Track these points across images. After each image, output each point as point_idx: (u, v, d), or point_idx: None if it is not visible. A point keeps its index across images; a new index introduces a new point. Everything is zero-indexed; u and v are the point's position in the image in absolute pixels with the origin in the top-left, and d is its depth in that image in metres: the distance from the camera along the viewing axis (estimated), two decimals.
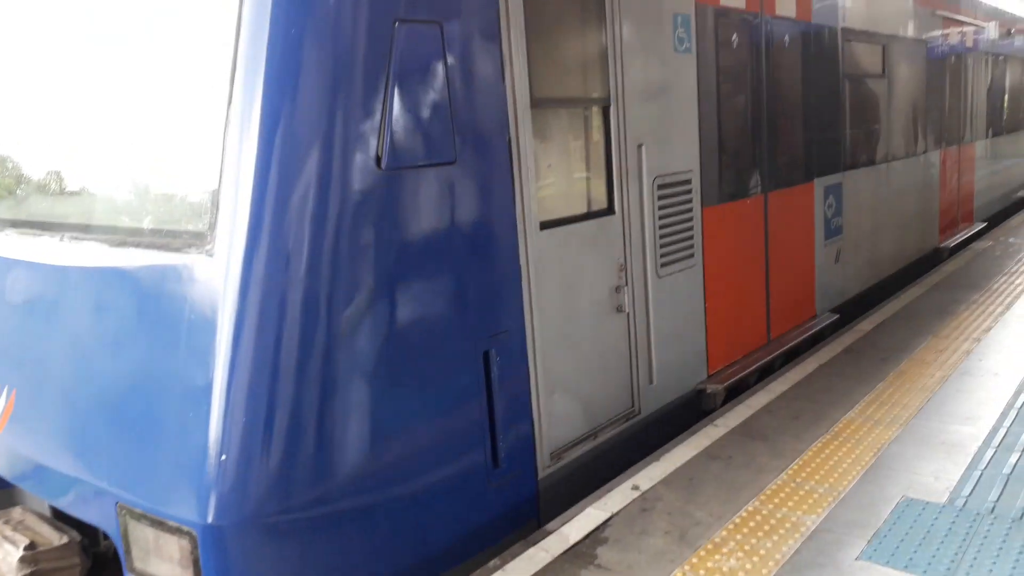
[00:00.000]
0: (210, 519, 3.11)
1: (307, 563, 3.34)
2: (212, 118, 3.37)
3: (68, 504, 3.87)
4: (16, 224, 4.54)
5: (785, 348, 6.48)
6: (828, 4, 7.11)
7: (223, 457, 3.13)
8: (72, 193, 4.35)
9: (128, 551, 3.49)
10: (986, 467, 4.36)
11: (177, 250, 3.41)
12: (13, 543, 3.98)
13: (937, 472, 4.34)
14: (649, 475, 4.53)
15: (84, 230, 4.02)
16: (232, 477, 3.13)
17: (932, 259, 10.28)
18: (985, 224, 12.35)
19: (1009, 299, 7.86)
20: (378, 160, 3.40)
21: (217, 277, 3.23)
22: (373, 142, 3.39)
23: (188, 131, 3.62)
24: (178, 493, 3.22)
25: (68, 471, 3.74)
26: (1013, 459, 4.42)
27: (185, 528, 3.19)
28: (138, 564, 3.47)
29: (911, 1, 9.00)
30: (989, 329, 6.89)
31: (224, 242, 3.23)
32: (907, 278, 9.46)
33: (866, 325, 7.26)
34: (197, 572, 3.21)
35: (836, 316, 7.37)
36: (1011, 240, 11.03)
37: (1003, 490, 4.09)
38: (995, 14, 12.36)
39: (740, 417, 5.27)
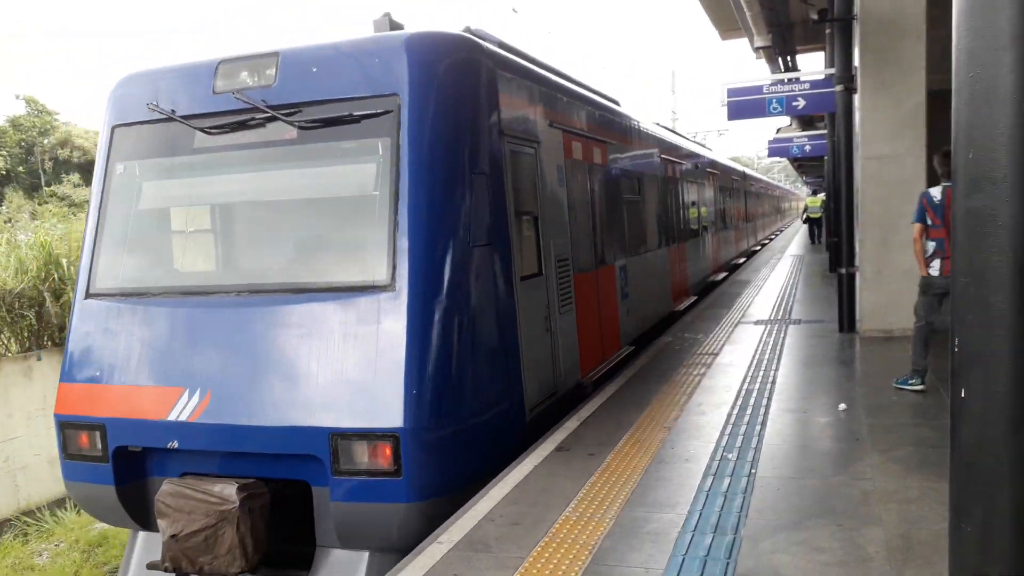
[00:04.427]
0: (409, 426, 5.49)
1: (457, 456, 5.93)
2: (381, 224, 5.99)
3: (278, 445, 5.73)
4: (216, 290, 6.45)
5: None
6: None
7: (413, 392, 5.55)
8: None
9: (336, 460, 5.54)
10: (687, 552, 4.68)
11: (365, 292, 5.86)
12: (226, 483, 5.74)
13: (646, 562, 4.58)
14: None
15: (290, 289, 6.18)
16: (418, 404, 5.56)
17: (669, 320, 14.07)
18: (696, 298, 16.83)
19: (689, 389, 8.80)
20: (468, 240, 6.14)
21: (400, 305, 5.75)
22: (467, 229, 6.15)
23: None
24: (385, 416, 5.49)
25: (283, 423, 5.69)
26: (707, 541, 4.81)
27: (391, 433, 5.46)
28: (344, 466, 5.53)
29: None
30: (676, 418, 7.61)
31: (401, 286, 5.78)
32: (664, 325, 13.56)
33: (572, 423, 7.67)
34: (396, 461, 5.44)
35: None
36: (686, 335, 12.48)
37: (703, 572, 4.41)
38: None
39: (463, 530, 5.21)
